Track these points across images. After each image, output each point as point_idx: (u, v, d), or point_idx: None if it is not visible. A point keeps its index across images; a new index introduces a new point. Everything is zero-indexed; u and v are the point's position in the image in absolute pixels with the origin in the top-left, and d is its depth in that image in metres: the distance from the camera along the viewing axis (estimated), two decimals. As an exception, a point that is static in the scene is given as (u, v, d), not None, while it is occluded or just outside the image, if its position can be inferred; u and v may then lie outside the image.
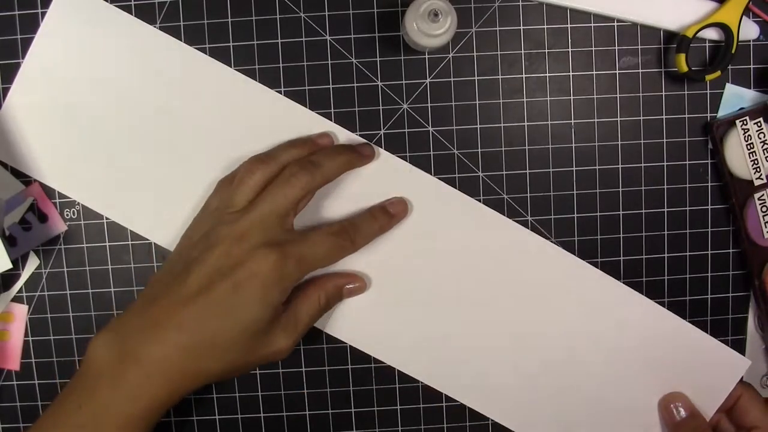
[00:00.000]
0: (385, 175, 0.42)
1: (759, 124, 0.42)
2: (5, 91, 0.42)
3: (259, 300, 0.36)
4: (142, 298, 0.38)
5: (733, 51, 0.41)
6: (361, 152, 0.41)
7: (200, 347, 0.35)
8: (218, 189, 0.41)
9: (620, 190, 0.44)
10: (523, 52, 0.43)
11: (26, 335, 0.44)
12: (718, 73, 0.42)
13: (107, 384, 0.35)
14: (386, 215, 0.42)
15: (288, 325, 0.38)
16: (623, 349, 0.43)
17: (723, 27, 0.41)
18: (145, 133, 0.43)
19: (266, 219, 0.37)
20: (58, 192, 0.43)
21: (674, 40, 0.42)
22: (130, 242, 0.43)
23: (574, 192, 0.44)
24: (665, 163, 0.44)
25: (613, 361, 0.43)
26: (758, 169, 0.42)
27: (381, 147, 0.43)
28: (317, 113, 0.42)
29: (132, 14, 0.42)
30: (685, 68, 0.41)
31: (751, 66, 0.43)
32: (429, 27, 0.37)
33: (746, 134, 0.42)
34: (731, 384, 0.43)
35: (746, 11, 0.41)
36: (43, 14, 0.42)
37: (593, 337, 0.43)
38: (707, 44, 0.43)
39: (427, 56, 0.43)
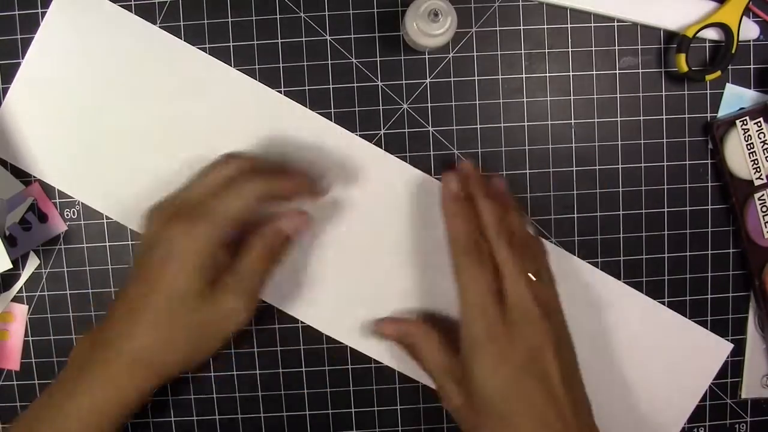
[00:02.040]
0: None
1: (759, 124, 0.42)
2: (5, 90, 0.42)
3: (180, 269, 0.36)
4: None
5: (733, 51, 0.41)
6: (288, 181, 0.39)
7: (147, 335, 0.36)
8: None
9: (620, 190, 0.44)
10: (523, 52, 0.43)
11: (26, 335, 0.44)
12: (718, 73, 0.42)
13: (77, 375, 0.36)
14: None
15: (232, 284, 0.37)
16: (605, 337, 0.44)
17: (723, 27, 0.41)
18: (146, 131, 0.43)
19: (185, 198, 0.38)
20: (58, 192, 0.43)
21: (674, 40, 0.42)
22: (130, 242, 0.43)
23: (574, 192, 0.44)
24: (665, 163, 0.43)
25: (595, 349, 0.44)
26: (758, 169, 0.42)
27: (381, 147, 0.43)
28: (317, 113, 0.42)
29: (132, 14, 0.42)
30: (685, 68, 0.41)
31: (751, 66, 0.43)
32: (429, 27, 0.37)
33: (746, 134, 0.42)
34: (716, 368, 0.44)
35: (746, 11, 0.41)
36: (43, 14, 0.42)
37: (576, 326, 0.41)
38: (707, 44, 0.43)
39: (427, 56, 0.43)
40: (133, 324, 0.36)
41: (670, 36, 0.43)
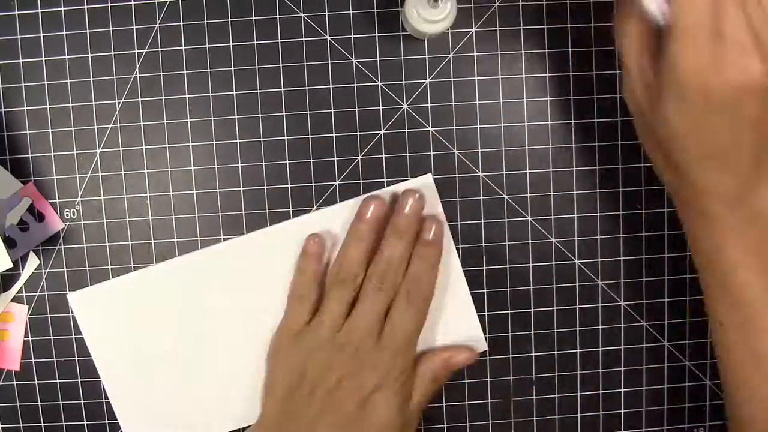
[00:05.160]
0: None
1: (759, 124, 0.42)
2: (5, 91, 0.42)
3: (388, 400, 0.38)
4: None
5: (733, 51, 0.41)
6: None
7: None
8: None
9: (620, 190, 0.44)
10: (523, 52, 0.43)
11: (26, 335, 0.44)
12: (718, 73, 0.41)
13: None
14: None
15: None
16: None
17: (723, 27, 0.41)
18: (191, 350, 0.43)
19: (365, 341, 0.39)
20: (57, 191, 0.43)
21: (674, 40, 0.42)
22: (130, 242, 0.43)
23: (574, 192, 0.44)
24: (665, 163, 0.43)
25: None
26: (758, 169, 0.42)
27: (381, 147, 0.43)
28: (317, 113, 0.43)
29: (132, 14, 0.42)
30: (685, 68, 0.41)
31: (751, 66, 0.43)
32: (429, 13, 0.36)
33: (746, 134, 0.42)
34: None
35: (746, 11, 0.41)
36: (44, 14, 0.42)
37: None
38: (707, 44, 0.43)
39: (427, 56, 0.43)
40: None
41: (670, 36, 0.43)
